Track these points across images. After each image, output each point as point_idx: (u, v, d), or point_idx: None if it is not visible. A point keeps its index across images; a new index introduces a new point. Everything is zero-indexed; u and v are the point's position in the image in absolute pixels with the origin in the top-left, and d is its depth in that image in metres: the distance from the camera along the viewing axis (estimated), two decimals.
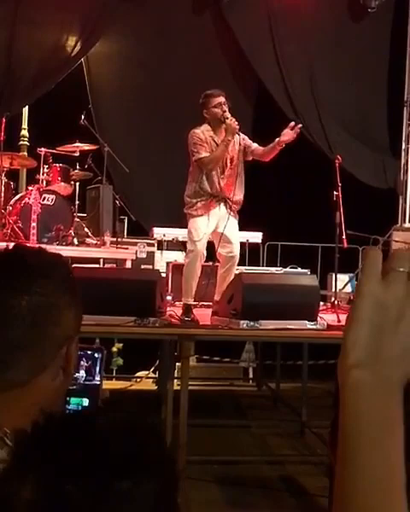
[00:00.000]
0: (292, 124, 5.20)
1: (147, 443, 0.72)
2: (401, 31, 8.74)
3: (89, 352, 1.29)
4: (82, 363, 1.29)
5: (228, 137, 5.05)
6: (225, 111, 5.11)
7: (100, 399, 1.33)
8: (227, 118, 5.05)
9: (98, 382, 1.30)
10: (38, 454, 0.68)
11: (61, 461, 0.67)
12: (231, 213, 5.20)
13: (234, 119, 5.06)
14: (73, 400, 1.28)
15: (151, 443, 0.73)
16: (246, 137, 5.33)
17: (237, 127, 5.07)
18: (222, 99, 5.17)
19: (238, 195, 5.25)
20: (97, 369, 1.29)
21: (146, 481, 0.69)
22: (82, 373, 1.28)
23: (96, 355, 1.30)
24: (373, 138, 8.82)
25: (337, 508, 0.64)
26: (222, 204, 5.18)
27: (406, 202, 8.70)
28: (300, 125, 5.20)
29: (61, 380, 1.08)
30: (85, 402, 1.28)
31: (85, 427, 0.71)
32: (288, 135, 5.13)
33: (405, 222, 8.60)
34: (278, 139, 5.12)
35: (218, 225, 5.16)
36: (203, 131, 5.16)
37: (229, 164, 5.17)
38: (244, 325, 4.35)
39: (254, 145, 5.31)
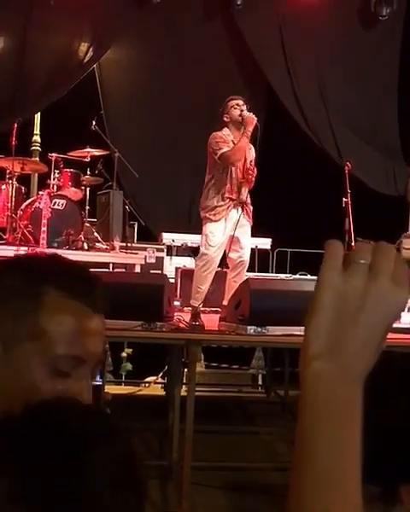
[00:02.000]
0: None
1: (94, 421, 0.77)
2: None
3: None
4: None
5: (249, 128, 5.14)
6: (242, 110, 5.25)
7: (103, 401, 1.33)
8: (244, 114, 5.19)
9: (99, 383, 1.30)
10: (4, 448, 0.71)
11: (25, 450, 0.70)
12: (246, 218, 5.27)
13: (252, 114, 5.17)
14: None
15: (98, 421, 0.78)
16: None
17: (255, 118, 5.16)
18: (239, 101, 5.31)
19: (249, 200, 5.32)
20: (98, 369, 1.29)
21: (101, 451, 0.73)
22: None
23: None
24: (384, 145, 8.80)
25: (294, 494, 0.64)
26: (239, 208, 5.25)
27: None
28: None
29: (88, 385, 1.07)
30: None
31: (44, 418, 0.75)
32: None
33: None
34: None
35: (234, 230, 5.21)
36: (224, 134, 5.26)
37: (250, 167, 5.24)
38: (252, 331, 4.32)
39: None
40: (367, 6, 8.49)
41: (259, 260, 7.53)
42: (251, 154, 5.34)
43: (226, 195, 5.18)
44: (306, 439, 0.64)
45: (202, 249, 5.23)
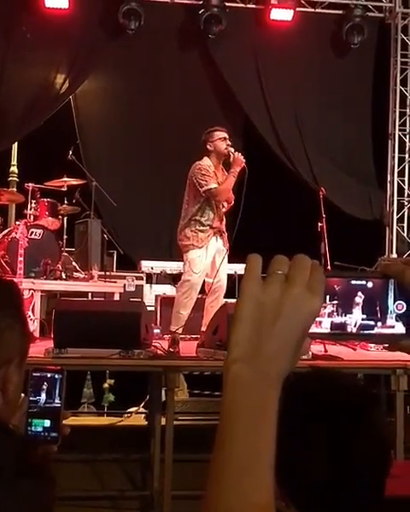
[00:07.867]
0: None
1: None
2: (383, 65, 8.90)
3: (48, 375, 1.29)
4: (43, 386, 1.29)
5: (236, 169, 5.20)
6: (229, 145, 5.31)
7: (62, 421, 1.33)
8: (233, 152, 5.24)
9: (58, 405, 1.30)
10: None
11: None
12: (223, 243, 5.37)
13: (241, 156, 5.23)
14: (36, 422, 1.29)
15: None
16: None
17: (244, 161, 5.23)
18: (225, 134, 5.35)
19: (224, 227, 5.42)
20: (57, 391, 1.29)
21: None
22: (43, 396, 1.28)
23: (56, 376, 1.30)
24: (359, 170, 8.91)
25: (210, 487, 0.68)
26: (219, 236, 5.34)
27: (392, 233, 8.76)
28: None
29: (0, 402, 1.07)
30: (47, 423, 1.29)
31: None
32: None
33: (392, 252, 8.64)
34: None
35: (214, 257, 5.30)
36: (207, 165, 5.28)
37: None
38: None
39: None
40: (339, 34, 8.64)
41: (239, 286, 7.51)
42: None
43: (209, 223, 5.24)
44: (224, 435, 0.68)
45: (185, 276, 5.27)
